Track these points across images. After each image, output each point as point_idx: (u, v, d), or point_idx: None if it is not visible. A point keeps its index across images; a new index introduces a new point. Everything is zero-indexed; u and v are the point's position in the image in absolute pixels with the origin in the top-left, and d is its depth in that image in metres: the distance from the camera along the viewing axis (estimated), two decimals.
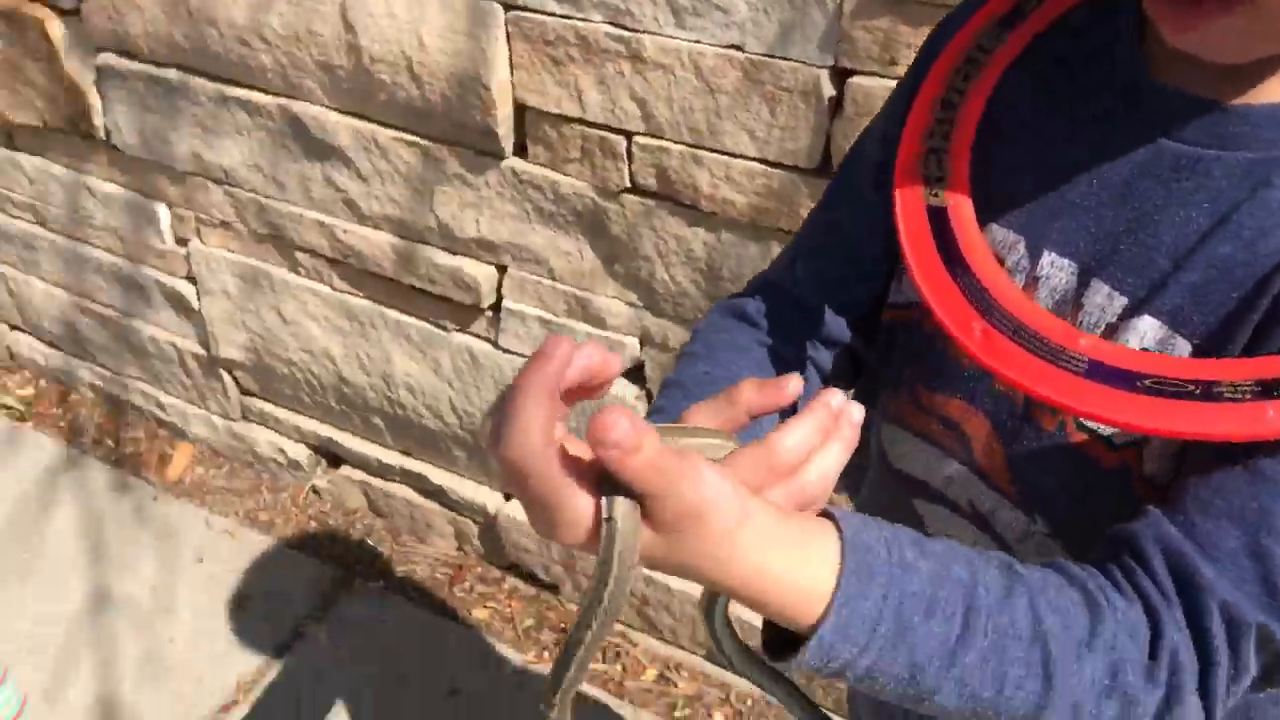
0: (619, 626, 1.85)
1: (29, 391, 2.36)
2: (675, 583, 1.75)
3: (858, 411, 0.50)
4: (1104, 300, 0.60)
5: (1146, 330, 0.59)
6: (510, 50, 1.45)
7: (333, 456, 2.07)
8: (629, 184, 1.46)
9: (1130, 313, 0.59)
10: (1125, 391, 0.56)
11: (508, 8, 1.42)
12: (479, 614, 1.90)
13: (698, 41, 1.32)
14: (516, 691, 1.78)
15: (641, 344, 1.60)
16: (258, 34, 1.63)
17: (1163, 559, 0.55)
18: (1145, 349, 0.58)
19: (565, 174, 1.50)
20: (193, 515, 2.08)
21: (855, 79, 1.25)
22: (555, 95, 1.45)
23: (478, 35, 1.45)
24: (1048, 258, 0.63)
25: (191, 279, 2.00)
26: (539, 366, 0.46)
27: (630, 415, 0.44)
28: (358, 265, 1.78)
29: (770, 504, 0.50)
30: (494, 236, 1.61)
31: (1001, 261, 0.64)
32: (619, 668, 1.81)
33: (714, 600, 0.61)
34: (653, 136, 1.41)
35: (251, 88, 1.70)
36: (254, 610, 1.91)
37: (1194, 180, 0.58)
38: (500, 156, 1.54)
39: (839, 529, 0.51)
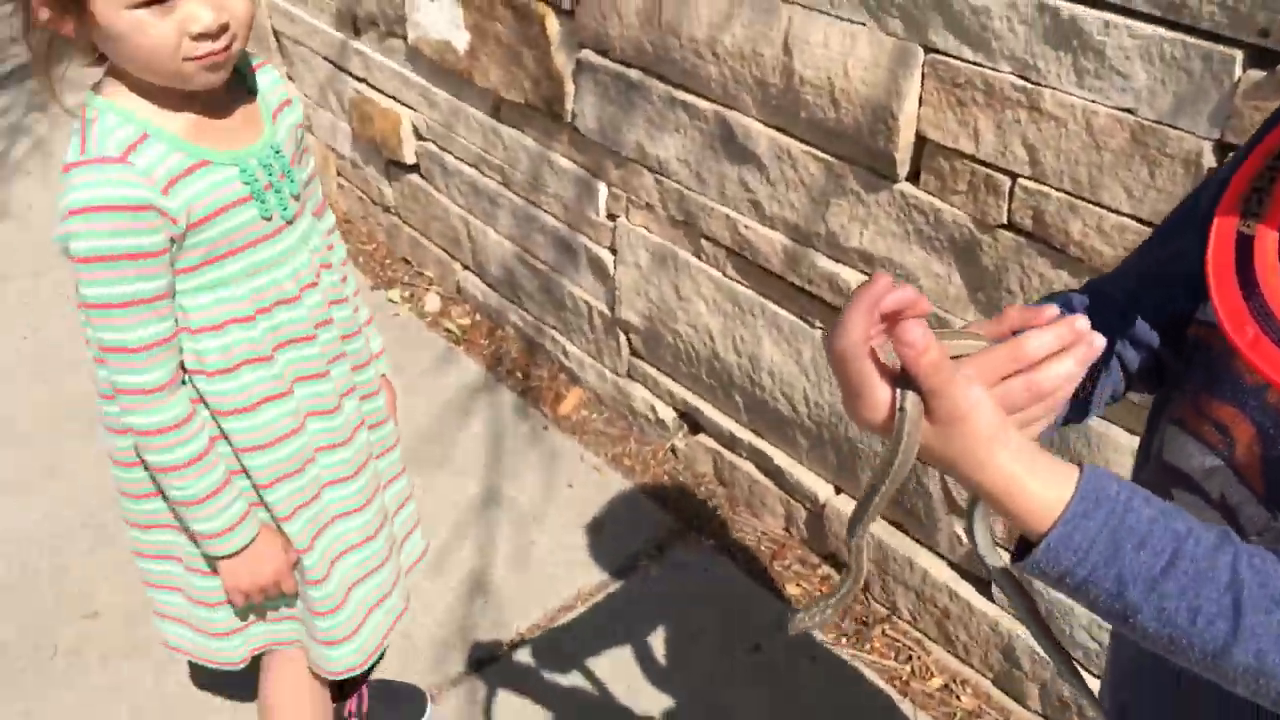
0: (914, 633, 1.97)
1: (467, 322, 2.82)
2: (977, 601, 1.85)
3: (1098, 339, 0.66)
4: None
5: None
6: (922, 87, 1.63)
7: (694, 423, 2.34)
8: (1006, 221, 1.60)
9: None
10: None
11: (928, 50, 1.60)
12: (791, 590, 2.09)
13: (1093, 101, 1.43)
14: (811, 662, 1.95)
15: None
16: (710, 48, 1.91)
17: None
18: None
19: (949, 203, 1.66)
20: (571, 448, 2.43)
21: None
22: (954, 132, 1.61)
23: (896, 71, 1.64)
24: None
25: (613, 249, 2.33)
26: (866, 289, 0.65)
27: (924, 326, 0.62)
28: (750, 258, 2.02)
29: (1026, 439, 0.66)
30: (874, 250, 1.79)
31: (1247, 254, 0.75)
32: (908, 669, 1.93)
33: (974, 505, 0.78)
34: (1036, 181, 1.54)
35: (696, 94, 1.99)
36: (604, 537, 2.21)
37: None
38: (894, 180, 1.72)
39: (1081, 469, 0.66)
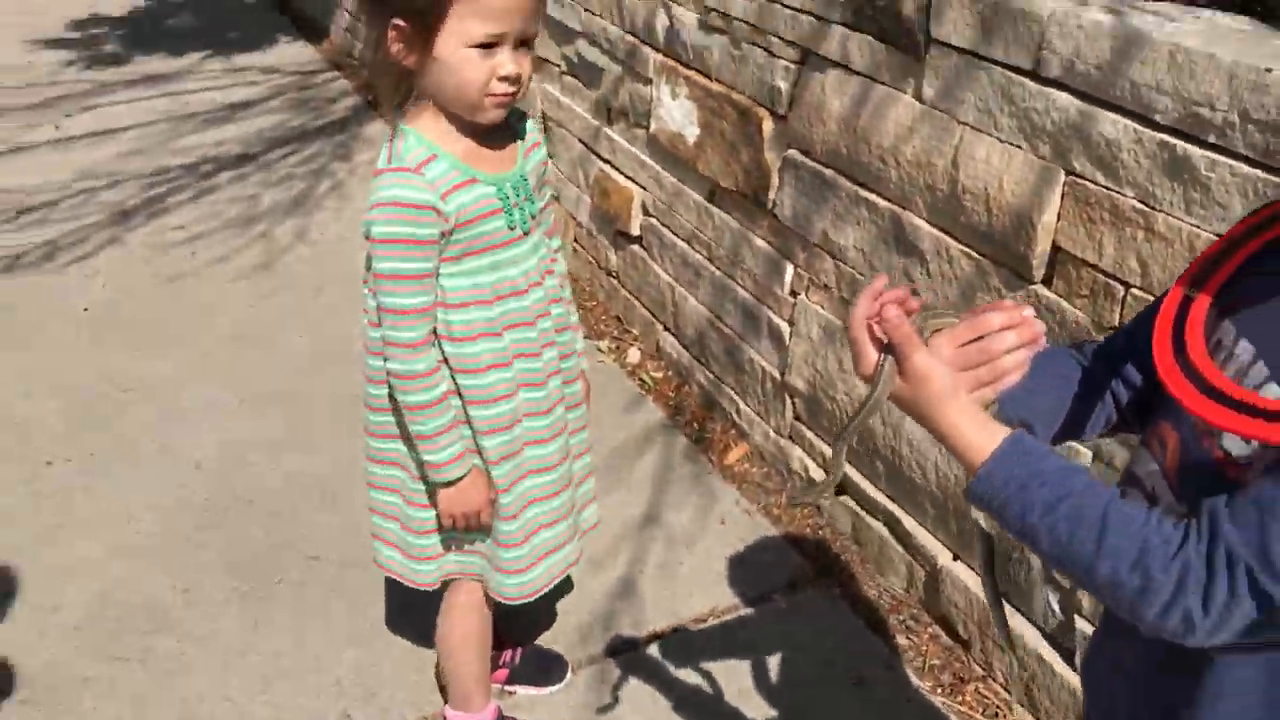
0: (1004, 695, 2.15)
1: (659, 375, 3.20)
2: (1060, 667, 2.02)
3: (1038, 324, 0.97)
4: (1257, 370, 0.95)
5: (1275, 391, 0.93)
6: (1060, 204, 1.90)
7: (839, 485, 2.60)
8: (1118, 323, 1.83)
9: (1266, 380, 0.93)
10: (1246, 416, 0.91)
11: (1068, 173, 1.87)
12: (900, 640, 2.30)
13: (1197, 226, 1.67)
14: (908, 703, 2.16)
15: (1093, 457, 1.93)
16: (893, 156, 2.24)
17: (1209, 517, 0.90)
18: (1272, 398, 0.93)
19: (1073, 305, 1.91)
20: (729, 493, 2.73)
21: None
22: (1083, 243, 1.86)
23: (1041, 188, 1.92)
24: (1243, 344, 0.98)
25: (791, 322, 2.66)
26: (867, 288, 0.98)
27: (900, 310, 0.95)
28: None
29: (973, 403, 0.97)
30: None
31: (1219, 339, 1.00)
32: None
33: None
34: (1145, 291, 1.77)
35: (876, 193, 2.31)
36: (744, 569, 2.49)
37: None
38: (1030, 280, 1.98)
39: (1011, 432, 0.95)
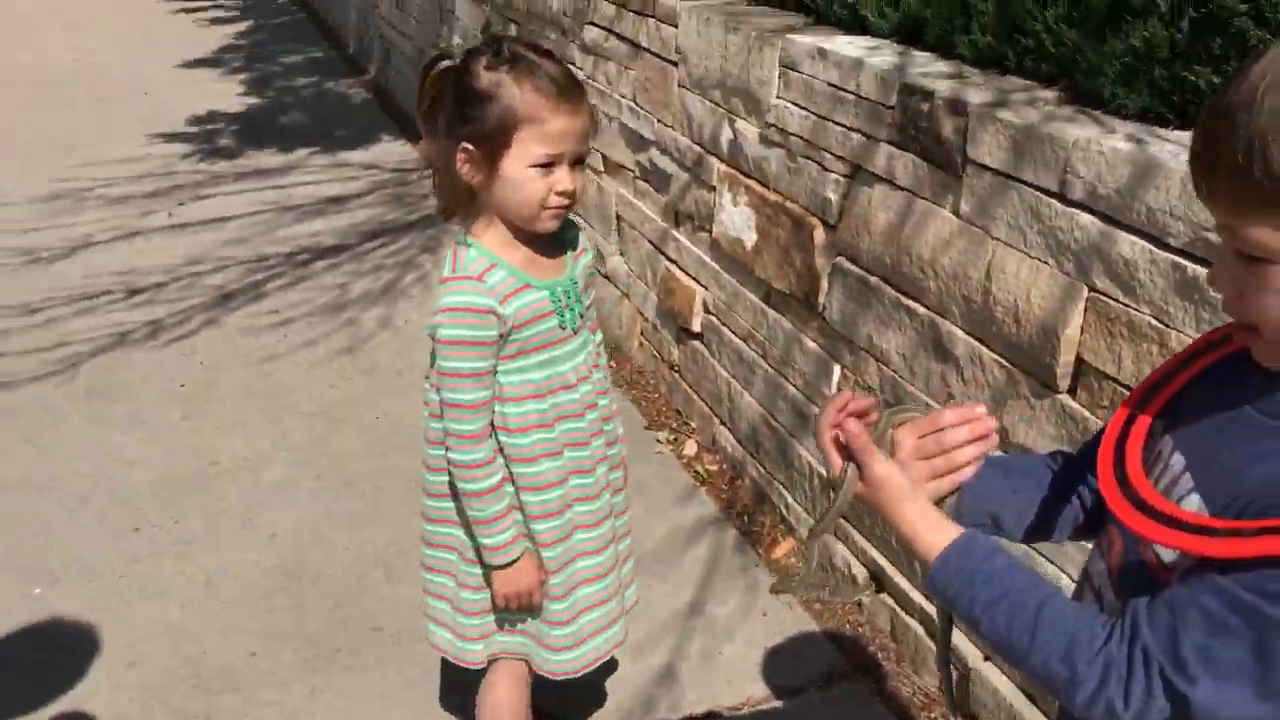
0: None
1: (714, 468, 3.30)
2: None
3: (990, 421, 1.07)
4: (1185, 482, 1.03)
5: (1194, 501, 1.01)
6: (1083, 318, 1.98)
7: (879, 582, 2.66)
8: None
9: (1190, 491, 1.02)
10: (1166, 526, 1.00)
11: (1090, 289, 1.96)
12: None
13: None
14: None
15: None
16: (931, 267, 2.35)
17: (1131, 617, 0.98)
18: (1190, 509, 1.01)
19: (1096, 414, 1.98)
20: (771, 584, 2.81)
21: None
22: (1104, 356, 1.95)
23: (1066, 303, 2.01)
24: (1176, 456, 1.07)
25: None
26: (834, 398, 1.10)
27: (860, 425, 1.07)
28: None
29: (929, 504, 1.07)
30: (1034, 446, 2.12)
31: (1160, 451, 1.09)
32: None
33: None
34: None
35: (916, 300, 2.42)
36: (781, 660, 2.56)
37: (1261, 432, 1.00)
38: (1055, 390, 2.06)
39: (964, 531, 1.06)
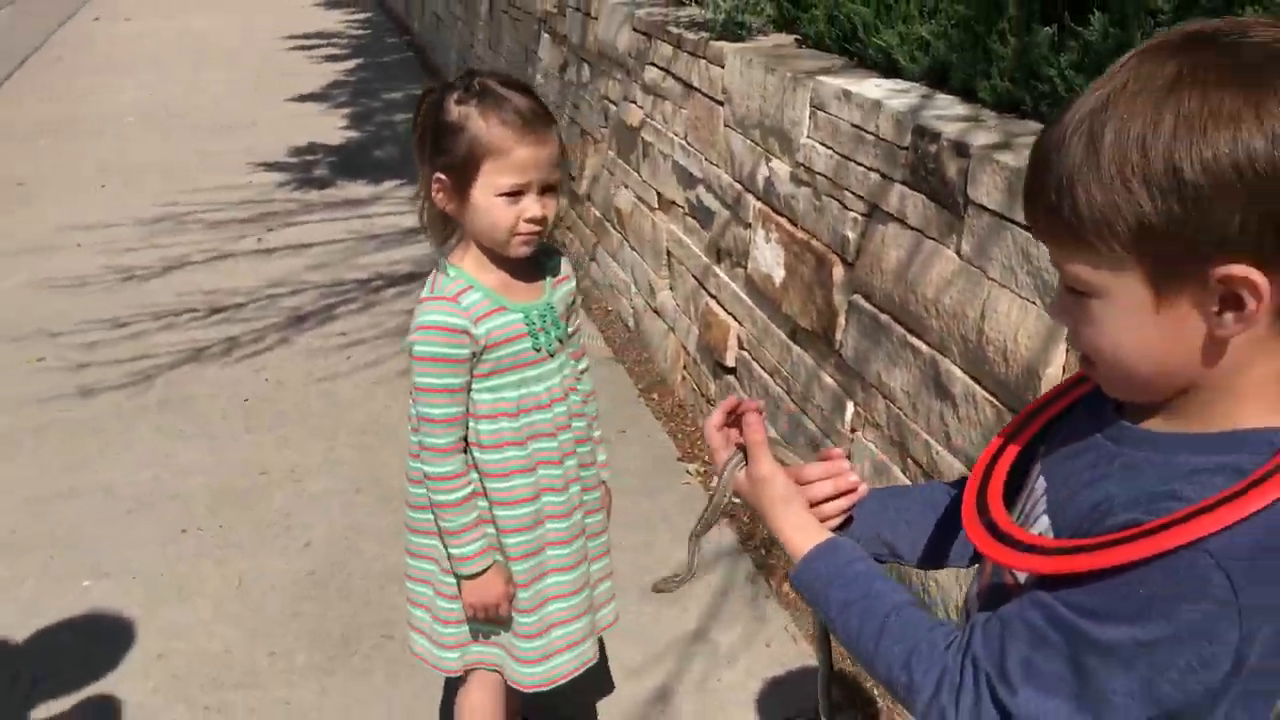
0: None
1: (737, 500, 3.33)
2: None
3: (855, 477, 1.11)
4: (1040, 505, 1.06)
5: (1044, 523, 1.04)
6: (1065, 358, 1.99)
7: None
8: None
9: (1042, 513, 1.05)
10: (1006, 547, 1.03)
11: None
12: None
13: None
14: None
15: None
16: (935, 305, 2.37)
17: (969, 631, 1.01)
18: (1040, 532, 1.04)
19: None
20: (781, 619, 2.82)
21: None
22: None
23: (1049, 343, 2.02)
24: (1039, 481, 1.09)
25: (849, 456, 2.76)
26: (724, 402, 1.15)
27: (761, 418, 1.12)
28: (945, 478, 2.39)
29: (806, 510, 1.12)
30: None
31: (1032, 474, 1.11)
32: None
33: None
34: None
35: (920, 338, 2.44)
36: (778, 691, 2.58)
37: (1103, 458, 1.02)
38: None
39: (829, 539, 1.10)
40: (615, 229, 4.67)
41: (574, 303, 2.03)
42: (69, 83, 9.89)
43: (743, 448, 1.18)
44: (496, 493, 1.93)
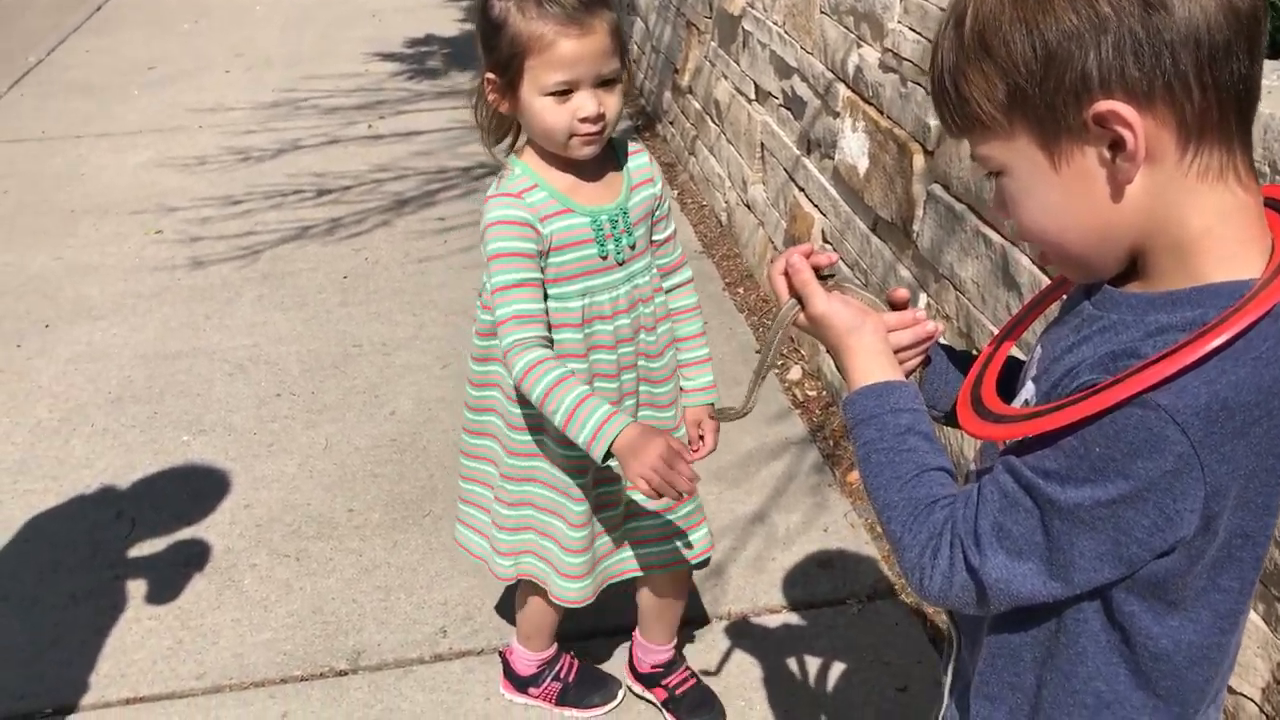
0: None
1: (813, 394, 3.34)
2: None
3: (931, 325, 1.13)
4: (1030, 373, 1.05)
5: (1029, 390, 1.04)
6: None
7: None
8: None
9: (1029, 381, 1.04)
10: (997, 424, 1.02)
11: None
12: None
13: None
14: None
15: None
16: None
17: (958, 499, 1.01)
18: (1025, 400, 1.04)
19: None
20: (841, 506, 2.84)
21: None
22: None
23: None
24: (1038, 351, 1.08)
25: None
26: (784, 253, 1.16)
27: (803, 259, 1.14)
28: None
29: (879, 340, 1.12)
30: None
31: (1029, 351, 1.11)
32: None
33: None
34: None
35: (993, 229, 2.39)
36: (830, 573, 2.61)
37: (1085, 322, 1.01)
38: None
39: (891, 380, 1.10)
40: (714, 122, 4.63)
41: (661, 208, 1.91)
42: None
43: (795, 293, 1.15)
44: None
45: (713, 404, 2.03)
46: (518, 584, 2.16)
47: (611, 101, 1.73)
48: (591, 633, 2.40)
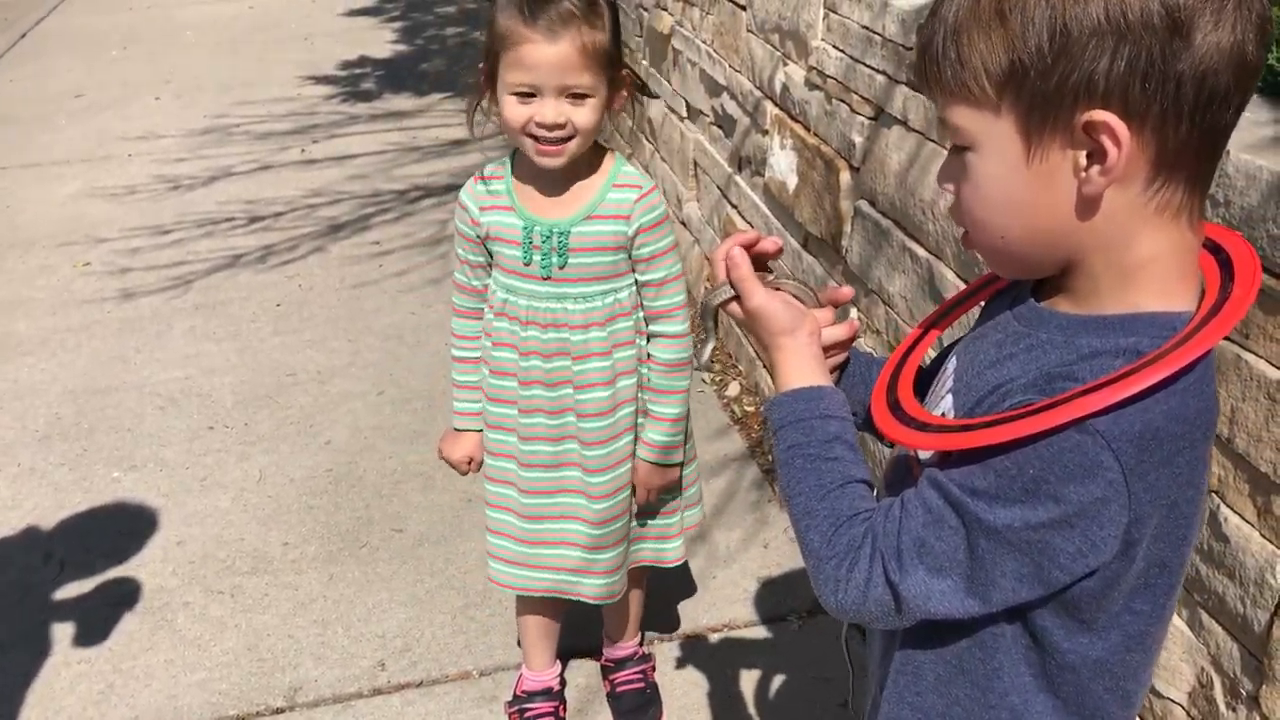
0: None
1: (750, 409, 3.35)
2: None
3: (856, 324, 1.13)
4: (947, 385, 1.06)
5: (948, 403, 1.04)
6: None
7: None
8: None
9: (948, 392, 1.05)
10: (905, 427, 1.03)
11: None
12: None
13: None
14: None
15: None
16: (932, 209, 2.34)
17: (875, 512, 1.01)
18: (943, 412, 1.04)
19: None
20: (783, 523, 2.85)
21: None
22: None
23: None
24: (952, 362, 1.09)
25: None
26: (727, 241, 1.14)
27: (746, 257, 1.12)
28: None
29: (811, 346, 1.12)
30: None
31: (944, 359, 1.12)
32: None
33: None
34: None
35: (919, 243, 2.42)
36: (771, 591, 2.62)
37: (1009, 338, 1.02)
38: None
39: (819, 385, 1.09)
40: (648, 140, 4.65)
41: (640, 250, 1.88)
42: None
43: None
44: (486, 378, 2.00)
45: (649, 460, 2.04)
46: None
47: (579, 115, 1.75)
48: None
